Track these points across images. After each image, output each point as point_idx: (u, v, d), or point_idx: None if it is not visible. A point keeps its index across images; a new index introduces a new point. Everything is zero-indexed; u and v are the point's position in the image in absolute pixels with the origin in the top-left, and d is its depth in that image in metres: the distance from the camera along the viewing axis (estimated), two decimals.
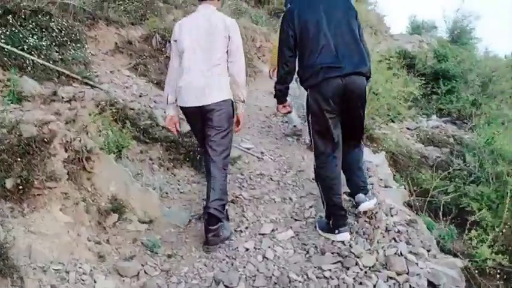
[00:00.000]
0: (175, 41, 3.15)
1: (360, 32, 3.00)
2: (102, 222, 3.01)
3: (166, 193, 3.76)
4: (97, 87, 4.27)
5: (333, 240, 3.06)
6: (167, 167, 4.04)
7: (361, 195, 3.16)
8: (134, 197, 3.28)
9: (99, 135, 3.45)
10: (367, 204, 3.15)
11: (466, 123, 7.96)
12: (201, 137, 3.24)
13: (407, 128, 7.49)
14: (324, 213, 3.22)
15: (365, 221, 3.23)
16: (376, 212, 3.24)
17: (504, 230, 3.76)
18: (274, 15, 11.46)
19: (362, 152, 3.33)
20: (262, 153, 4.75)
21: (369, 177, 3.90)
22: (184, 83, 3.07)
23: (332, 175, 3.02)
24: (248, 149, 4.64)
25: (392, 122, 7.06)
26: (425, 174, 5.06)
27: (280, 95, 3.18)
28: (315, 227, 3.27)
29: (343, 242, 3.02)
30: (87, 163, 3.07)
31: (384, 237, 3.02)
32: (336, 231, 3.04)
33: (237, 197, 3.78)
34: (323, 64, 2.82)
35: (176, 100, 3.20)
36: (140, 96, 4.87)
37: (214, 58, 3.05)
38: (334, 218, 3.05)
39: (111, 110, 3.81)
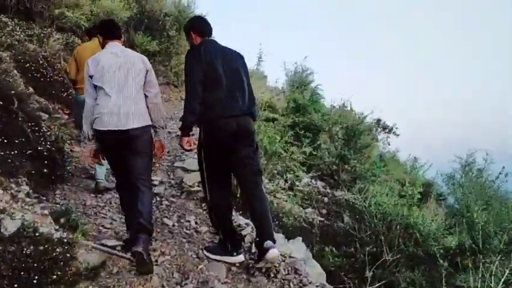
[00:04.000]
0: (91, 76, 3.22)
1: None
2: None
3: None
4: None
5: None
6: None
7: (270, 242, 3.01)
8: None
9: None
10: (274, 252, 2.99)
11: (335, 180, 7.66)
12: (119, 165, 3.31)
13: (282, 188, 6.78)
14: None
15: None
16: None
17: None
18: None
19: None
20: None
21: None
22: (107, 110, 3.13)
23: (225, 210, 3.27)
24: (113, 247, 3.11)
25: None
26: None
27: (190, 125, 3.15)
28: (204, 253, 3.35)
29: None
30: None
31: None
32: (234, 253, 3.26)
33: None
34: (221, 103, 3.07)
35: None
36: None
37: (135, 89, 3.20)
38: (232, 242, 3.27)
39: None
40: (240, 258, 3.29)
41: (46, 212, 3.16)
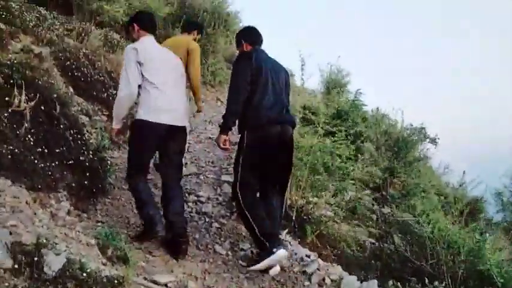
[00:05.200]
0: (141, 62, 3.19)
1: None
2: None
3: None
4: None
5: None
6: None
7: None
8: None
9: None
10: (277, 269, 3.11)
11: (383, 195, 7.13)
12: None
13: (327, 203, 6.30)
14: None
15: None
16: None
17: None
18: None
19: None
20: None
21: None
22: (163, 103, 3.22)
23: (260, 208, 3.22)
24: (166, 285, 2.73)
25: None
26: None
27: (230, 125, 3.19)
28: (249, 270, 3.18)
29: None
30: None
31: None
32: (274, 249, 3.07)
33: None
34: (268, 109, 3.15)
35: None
36: None
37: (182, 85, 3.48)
38: (267, 236, 3.11)
39: None
40: (282, 252, 3.09)
41: (92, 241, 2.78)
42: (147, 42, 3.36)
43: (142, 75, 3.21)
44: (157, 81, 3.22)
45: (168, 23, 9.47)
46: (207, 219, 3.97)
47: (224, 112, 3.22)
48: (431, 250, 4.96)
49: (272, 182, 3.35)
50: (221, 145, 3.24)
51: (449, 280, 4.58)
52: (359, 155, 6.40)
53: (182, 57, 3.96)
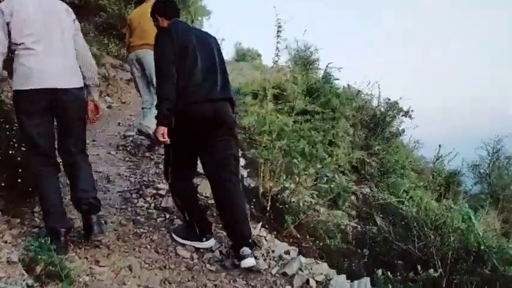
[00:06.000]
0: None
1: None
2: None
3: None
4: None
5: None
6: None
7: (247, 249, 2.75)
8: None
9: None
10: (250, 261, 2.74)
11: (361, 174, 6.74)
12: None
13: (305, 188, 5.84)
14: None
15: None
16: None
17: None
18: (104, 32, 8.80)
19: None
20: None
21: None
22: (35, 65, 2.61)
23: (191, 193, 3.10)
24: None
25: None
26: None
27: (168, 114, 2.77)
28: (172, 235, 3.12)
29: None
30: None
31: None
32: (204, 238, 3.02)
33: None
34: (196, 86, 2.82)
35: None
36: None
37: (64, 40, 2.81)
38: (200, 225, 3.02)
39: None
40: (210, 243, 3.05)
41: (15, 257, 2.18)
42: None
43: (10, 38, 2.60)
44: (26, 41, 2.60)
45: (121, 0, 8.69)
46: (167, 216, 3.41)
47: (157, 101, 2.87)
48: (418, 232, 4.61)
49: (216, 164, 2.92)
50: (160, 138, 2.80)
51: (439, 263, 4.23)
52: (333, 134, 5.92)
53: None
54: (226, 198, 2.87)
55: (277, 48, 4.23)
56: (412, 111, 9.64)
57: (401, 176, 6.84)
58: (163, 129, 2.76)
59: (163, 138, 2.79)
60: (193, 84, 2.79)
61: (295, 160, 3.70)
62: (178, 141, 2.88)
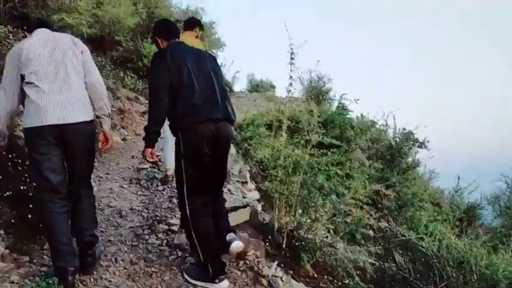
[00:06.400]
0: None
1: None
2: None
3: None
4: None
5: None
6: None
7: (232, 234, 2.99)
8: None
9: None
10: (238, 243, 2.95)
11: (378, 208, 6.55)
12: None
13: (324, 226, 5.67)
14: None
15: None
16: None
17: None
18: (120, 65, 8.92)
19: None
20: None
21: None
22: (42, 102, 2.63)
23: (209, 228, 2.93)
24: None
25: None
26: None
27: (154, 136, 2.90)
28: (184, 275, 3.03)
29: None
30: None
31: None
32: (217, 280, 2.90)
33: None
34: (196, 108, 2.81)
35: None
36: None
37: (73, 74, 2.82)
38: (214, 265, 2.90)
39: None
40: (224, 284, 2.94)
41: None
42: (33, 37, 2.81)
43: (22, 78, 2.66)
44: (32, 78, 2.63)
45: (137, 35, 8.86)
46: (179, 254, 3.30)
47: (147, 122, 2.93)
48: (440, 271, 4.40)
49: (212, 187, 3.02)
50: (147, 158, 2.94)
51: None
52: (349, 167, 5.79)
53: None
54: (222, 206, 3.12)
55: (290, 76, 4.18)
56: (428, 141, 9.49)
57: (420, 209, 6.63)
58: (151, 150, 2.88)
59: (152, 158, 2.92)
60: (193, 106, 2.79)
61: (312, 195, 3.59)
62: (191, 165, 2.86)
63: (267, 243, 3.60)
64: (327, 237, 5.10)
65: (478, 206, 8.93)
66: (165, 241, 3.53)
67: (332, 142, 5.81)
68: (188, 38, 4.30)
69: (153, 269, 3.09)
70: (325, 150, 4.37)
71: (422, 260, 4.60)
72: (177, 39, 3.15)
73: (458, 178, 9.66)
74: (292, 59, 4.01)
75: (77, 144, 2.73)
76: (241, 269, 3.21)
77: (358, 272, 4.54)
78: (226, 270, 3.02)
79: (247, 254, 3.29)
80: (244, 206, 3.94)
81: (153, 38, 3.23)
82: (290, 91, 4.31)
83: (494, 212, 9.43)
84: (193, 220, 2.88)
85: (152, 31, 3.30)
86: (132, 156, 5.94)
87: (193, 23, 4.71)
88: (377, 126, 7.96)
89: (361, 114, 10.20)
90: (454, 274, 4.24)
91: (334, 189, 3.81)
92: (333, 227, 5.42)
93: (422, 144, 9.81)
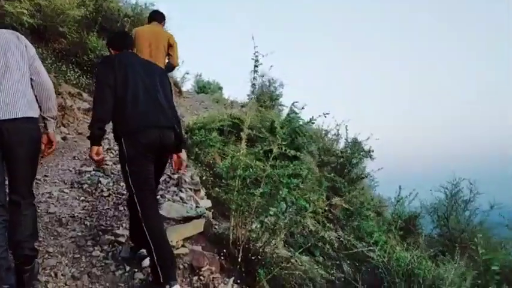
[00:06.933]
0: None
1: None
2: None
3: None
4: None
5: None
6: None
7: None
8: None
9: None
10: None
11: (328, 218, 6.56)
12: None
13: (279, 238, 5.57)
14: None
15: None
16: None
17: None
18: (63, 59, 8.34)
19: None
20: None
21: None
22: None
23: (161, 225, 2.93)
24: None
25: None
26: None
27: (99, 134, 2.88)
28: None
29: None
30: None
31: None
32: (167, 286, 2.67)
33: None
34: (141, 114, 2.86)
35: None
36: None
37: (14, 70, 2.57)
38: (165, 269, 2.70)
39: None
40: None
41: None
42: None
43: None
44: None
45: (83, 27, 8.34)
46: (127, 268, 3.04)
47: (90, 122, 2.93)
48: (389, 283, 4.45)
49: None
50: (94, 157, 2.90)
51: None
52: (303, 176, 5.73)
53: (163, 48, 4.94)
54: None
55: (253, 84, 4.08)
56: (372, 151, 9.73)
57: (366, 218, 6.74)
58: (97, 149, 2.87)
59: (97, 157, 2.89)
60: (138, 112, 2.86)
61: (271, 208, 3.47)
62: (136, 168, 2.86)
63: (222, 257, 3.42)
64: (285, 252, 5.02)
65: (418, 215, 9.25)
66: (110, 254, 3.25)
67: (296, 155, 5.76)
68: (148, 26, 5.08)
69: (97, 286, 2.82)
70: (287, 162, 4.28)
71: (370, 270, 4.64)
72: (128, 50, 3.25)
73: (400, 188, 10.01)
74: (256, 66, 3.90)
75: (17, 143, 2.44)
76: (195, 286, 3.00)
77: (312, 284, 4.48)
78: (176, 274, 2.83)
79: (202, 269, 3.10)
80: (198, 217, 3.74)
81: (108, 49, 3.31)
82: (252, 98, 4.18)
83: (433, 222, 9.81)
84: (148, 224, 2.77)
85: (106, 41, 3.37)
86: (74, 157, 5.52)
87: (162, 16, 5.23)
88: (329, 135, 8.01)
89: (310, 118, 10.30)
90: (403, 287, 4.30)
91: (296, 202, 3.70)
92: (292, 240, 5.35)
93: (367, 154, 10.08)
